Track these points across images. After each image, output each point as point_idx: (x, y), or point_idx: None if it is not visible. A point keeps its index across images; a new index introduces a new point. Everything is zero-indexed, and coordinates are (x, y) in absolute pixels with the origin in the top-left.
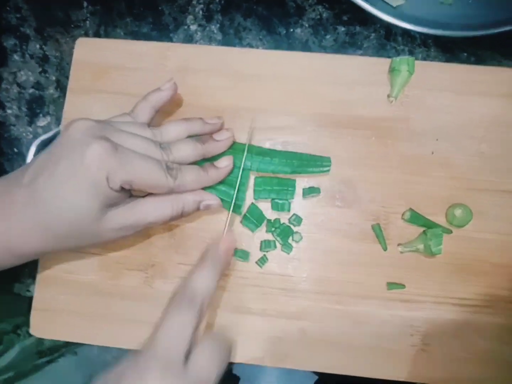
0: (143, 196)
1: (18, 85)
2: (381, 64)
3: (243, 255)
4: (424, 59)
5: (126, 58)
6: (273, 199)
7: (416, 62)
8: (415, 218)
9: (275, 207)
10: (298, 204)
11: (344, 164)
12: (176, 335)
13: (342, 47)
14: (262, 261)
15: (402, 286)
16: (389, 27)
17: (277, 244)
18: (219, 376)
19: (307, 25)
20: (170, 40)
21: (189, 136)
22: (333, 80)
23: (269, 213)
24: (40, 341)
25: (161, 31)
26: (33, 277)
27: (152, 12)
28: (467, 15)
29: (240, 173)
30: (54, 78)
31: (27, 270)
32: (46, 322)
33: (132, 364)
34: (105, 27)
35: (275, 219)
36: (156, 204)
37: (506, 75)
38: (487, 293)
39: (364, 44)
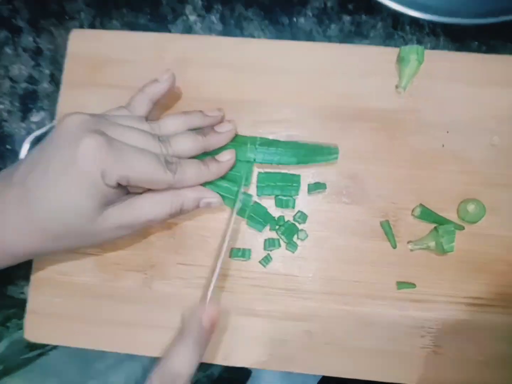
0: (141, 193)
1: (11, 79)
2: (388, 53)
3: (244, 253)
4: (433, 48)
5: (122, 50)
6: (277, 195)
7: (426, 51)
8: (426, 214)
9: (279, 204)
10: (303, 201)
11: (351, 159)
12: None
13: (347, 37)
14: (266, 260)
15: (412, 285)
16: (396, 15)
17: (282, 243)
18: None
19: (311, 14)
20: (169, 31)
21: (189, 130)
22: (339, 71)
23: (273, 211)
24: None
25: (159, 22)
26: (27, 279)
27: (150, 3)
28: (478, 1)
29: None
30: (48, 71)
31: (22, 272)
32: (41, 326)
33: None
34: (100, 19)
35: (279, 217)
36: (154, 201)
37: None
38: (502, 292)
39: (370, 34)
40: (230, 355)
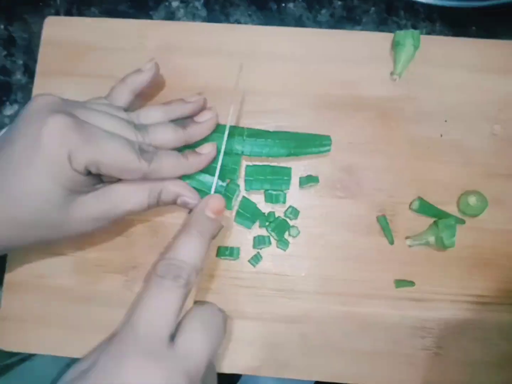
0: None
1: None
2: (383, 39)
3: (232, 252)
4: (429, 34)
5: (100, 38)
6: (266, 190)
7: (422, 36)
8: (425, 207)
9: (269, 199)
10: (295, 195)
11: (345, 150)
12: (159, 314)
13: (339, 23)
14: (255, 259)
15: (411, 283)
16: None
17: (272, 240)
18: (212, 357)
19: None
20: (150, 18)
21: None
22: (330, 58)
23: (263, 206)
24: None
25: (140, 8)
26: (0, 282)
27: None
28: None
29: (221, 158)
30: (21, 62)
31: None
32: (15, 334)
33: (107, 351)
34: (77, 6)
35: (269, 213)
36: (130, 189)
37: None
38: (507, 288)
39: (363, 19)
40: (219, 361)
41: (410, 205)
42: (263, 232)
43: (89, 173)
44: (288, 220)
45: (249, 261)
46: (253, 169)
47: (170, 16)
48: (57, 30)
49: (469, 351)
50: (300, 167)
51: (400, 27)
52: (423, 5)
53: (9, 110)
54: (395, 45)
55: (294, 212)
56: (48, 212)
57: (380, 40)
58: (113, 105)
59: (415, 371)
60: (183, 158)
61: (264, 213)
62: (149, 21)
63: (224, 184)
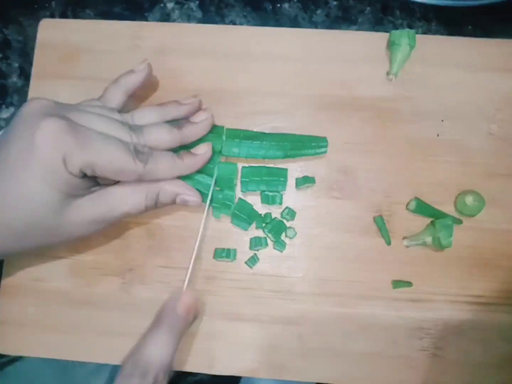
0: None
1: None
2: (378, 38)
3: (228, 254)
4: (424, 33)
5: (95, 40)
6: (262, 191)
7: (417, 36)
8: (422, 208)
9: (265, 200)
10: (291, 196)
11: (341, 150)
12: None
13: (334, 23)
14: (252, 261)
15: (408, 284)
16: None
17: (269, 242)
18: None
19: (295, 0)
20: (145, 19)
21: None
22: (326, 58)
23: (259, 207)
24: None
25: (135, 10)
26: None
27: None
28: None
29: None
30: (17, 65)
31: None
32: (12, 337)
33: None
34: (72, 8)
35: (266, 214)
36: (127, 191)
37: None
38: (506, 289)
39: (358, 19)
40: (215, 363)
41: (407, 205)
42: (260, 233)
43: (84, 175)
44: (284, 221)
45: (246, 262)
46: (249, 170)
47: (165, 17)
48: (52, 32)
49: (467, 352)
50: (296, 168)
51: (396, 27)
52: (419, 4)
53: (5, 113)
54: (391, 45)
55: (290, 213)
56: (44, 216)
57: (376, 40)
58: (106, 106)
59: (413, 372)
60: (178, 159)
61: (260, 215)
62: (143, 22)
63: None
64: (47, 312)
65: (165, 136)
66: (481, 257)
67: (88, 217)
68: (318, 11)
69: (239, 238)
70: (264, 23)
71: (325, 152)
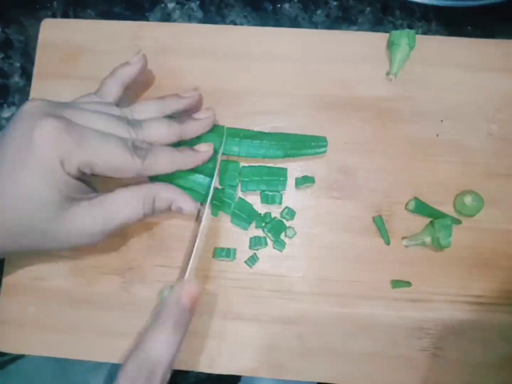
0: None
1: None
2: (378, 39)
3: (228, 253)
4: (424, 33)
5: (96, 40)
6: (262, 191)
7: (417, 36)
8: (421, 208)
9: (265, 199)
10: (291, 196)
11: (340, 150)
12: None
13: (334, 23)
14: (252, 260)
15: (408, 284)
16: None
17: (269, 241)
18: None
19: (295, 0)
20: (146, 19)
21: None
22: (326, 58)
23: (259, 207)
24: None
25: (136, 10)
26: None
27: None
28: None
29: (218, 163)
30: (18, 64)
31: None
32: (13, 336)
33: None
34: (73, 8)
35: (266, 213)
36: (126, 198)
37: None
38: (505, 289)
39: (358, 19)
40: (215, 362)
41: (406, 205)
42: (260, 233)
43: (83, 174)
44: (284, 221)
45: (245, 262)
46: (249, 170)
47: (166, 17)
48: (53, 32)
49: (467, 352)
50: (296, 168)
51: (396, 27)
52: (419, 5)
53: (6, 113)
54: (391, 45)
55: (290, 213)
56: (41, 217)
57: (376, 40)
58: (104, 101)
59: (413, 372)
60: (178, 153)
61: (260, 214)
62: (144, 22)
63: (220, 187)
64: (47, 311)
65: (165, 130)
66: (480, 257)
67: (85, 225)
68: (318, 11)
69: (239, 237)
70: (264, 23)
71: (324, 152)
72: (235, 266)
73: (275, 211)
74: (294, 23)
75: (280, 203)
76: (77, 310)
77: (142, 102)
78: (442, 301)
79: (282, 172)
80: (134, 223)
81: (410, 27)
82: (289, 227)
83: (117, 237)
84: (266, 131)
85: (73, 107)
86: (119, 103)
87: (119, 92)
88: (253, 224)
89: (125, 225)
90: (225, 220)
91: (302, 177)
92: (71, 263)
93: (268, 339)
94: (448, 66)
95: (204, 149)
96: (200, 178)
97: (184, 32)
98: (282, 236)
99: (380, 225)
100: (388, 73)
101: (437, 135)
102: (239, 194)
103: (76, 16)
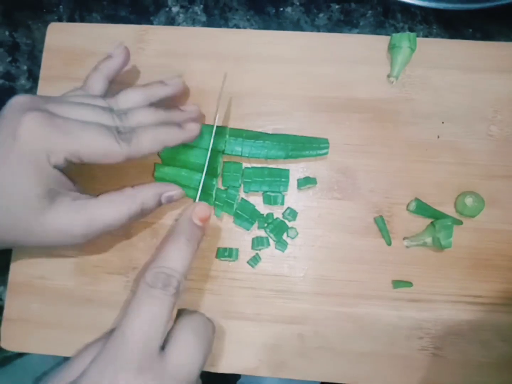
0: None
1: None
2: (379, 41)
3: (231, 253)
4: (425, 36)
5: (102, 43)
6: (264, 192)
7: (418, 39)
8: (422, 208)
9: (267, 200)
10: (293, 197)
11: (342, 152)
12: (149, 325)
13: (336, 26)
14: (254, 260)
15: (409, 284)
16: (387, 3)
17: (271, 242)
18: (202, 368)
19: (298, 3)
20: (151, 23)
21: None
22: (328, 60)
23: (261, 208)
24: None
25: (140, 14)
26: (4, 284)
27: None
28: None
29: (208, 157)
30: (25, 67)
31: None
32: (19, 334)
33: (97, 361)
34: (79, 12)
35: (268, 214)
36: (109, 202)
37: None
38: (506, 289)
39: (360, 23)
40: (217, 361)
41: (407, 206)
42: (262, 233)
43: (71, 164)
44: (286, 221)
45: (248, 262)
46: (251, 171)
47: (171, 21)
48: (60, 36)
49: (466, 352)
50: (298, 169)
51: (397, 30)
52: (420, 8)
53: None
54: (392, 48)
55: (292, 214)
56: (24, 215)
57: (377, 43)
58: (89, 94)
59: (412, 372)
60: (162, 128)
61: (262, 215)
62: (148, 26)
63: (223, 188)
64: (52, 310)
65: (151, 117)
66: (481, 257)
67: (67, 225)
68: (321, 15)
69: (241, 238)
70: (267, 26)
71: (326, 153)
72: (237, 266)
73: (277, 212)
74: (296, 27)
75: (282, 203)
76: (81, 309)
77: (127, 90)
78: (442, 301)
79: (284, 173)
80: (119, 227)
81: (411, 30)
82: (291, 227)
83: (121, 236)
84: (268, 132)
85: (58, 100)
86: (104, 96)
87: (104, 85)
88: (256, 225)
89: (110, 229)
90: (228, 220)
91: (304, 178)
92: (75, 263)
93: (270, 338)
94: (449, 68)
95: (192, 127)
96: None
97: (188, 36)
98: (284, 236)
99: (382, 225)
100: (389, 76)
101: (438, 137)
102: (242, 195)
103: (82, 20)
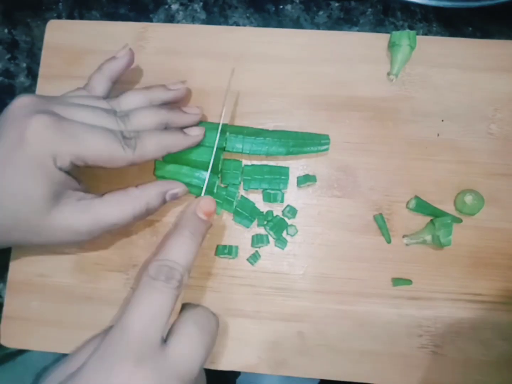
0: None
1: None
2: (379, 39)
3: (231, 251)
4: (425, 34)
5: (101, 41)
6: (264, 189)
7: (418, 37)
8: (421, 206)
9: (267, 198)
10: (293, 194)
11: (342, 150)
12: (151, 317)
13: (336, 24)
14: (254, 258)
15: (408, 281)
16: (386, 1)
17: (270, 239)
18: (203, 363)
19: (297, 1)
20: (150, 21)
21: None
22: (328, 58)
23: (261, 205)
24: None
25: (140, 11)
26: (4, 282)
27: None
28: None
29: (214, 155)
30: (24, 65)
31: None
32: (18, 332)
33: (97, 354)
34: (79, 9)
35: (268, 211)
36: (114, 202)
37: None
38: (506, 288)
39: (360, 21)
40: (217, 358)
41: (407, 204)
42: (262, 231)
43: (75, 167)
44: (286, 219)
45: (247, 259)
46: (251, 168)
47: (170, 19)
48: (59, 33)
49: (467, 351)
50: (298, 167)
51: (397, 28)
52: (420, 6)
53: None
54: (392, 46)
55: (292, 211)
56: (30, 216)
57: (377, 40)
58: (92, 96)
59: (412, 370)
60: (166, 135)
61: (262, 212)
62: (148, 23)
63: (223, 186)
64: (52, 307)
65: (152, 118)
66: (480, 255)
67: (71, 225)
68: (320, 13)
69: (241, 235)
70: (266, 24)
71: (327, 149)
72: (237, 264)
73: (277, 209)
74: (296, 24)
75: (282, 201)
76: (81, 307)
77: (129, 93)
78: (442, 299)
79: (284, 171)
80: (124, 225)
81: (411, 28)
82: (291, 225)
83: (121, 234)
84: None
85: (62, 102)
86: (107, 97)
87: (107, 86)
88: (255, 222)
89: (115, 227)
90: (228, 218)
91: (304, 175)
92: (75, 260)
93: (269, 336)
94: (449, 66)
95: (196, 133)
96: (204, 174)
97: (187, 33)
98: (284, 234)
99: (381, 223)
100: (389, 74)
101: (438, 135)
102: (242, 192)
103: (81, 17)
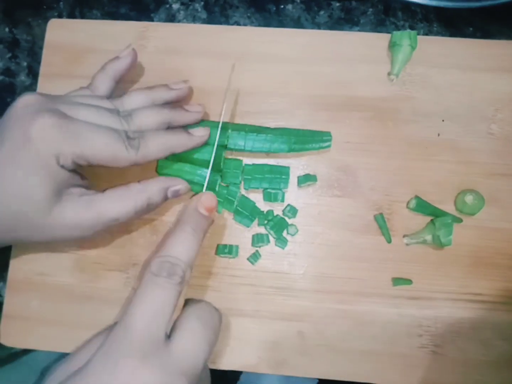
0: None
1: None
2: (380, 39)
3: (231, 250)
4: (426, 34)
5: (102, 40)
6: (265, 188)
7: (419, 37)
8: (422, 206)
9: (268, 197)
10: (293, 194)
11: (342, 150)
12: (154, 314)
13: (337, 24)
14: (254, 257)
15: (408, 281)
16: (387, 1)
17: (271, 239)
18: (207, 359)
19: (298, 1)
20: (151, 20)
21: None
22: (329, 58)
23: (261, 205)
24: None
25: (141, 11)
26: (4, 281)
27: None
28: None
29: (214, 152)
30: (25, 64)
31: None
32: (18, 331)
33: (101, 351)
34: (80, 8)
35: (268, 211)
36: (116, 197)
37: None
38: (506, 288)
39: (361, 20)
40: (217, 358)
41: (407, 204)
42: (262, 230)
43: (78, 166)
44: (286, 218)
45: (248, 259)
46: (251, 168)
47: (171, 18)
48: (60, 32)
49: (467, 351)
50: (298, 166)
51: (397, 28)
52: (421, 6)
53: None
54: (392, 46)
55: (292, 211)
56: (31, 211)
57: (378, 40)
58: (96, 95)
59: (412, 369)
60: (170, 135)
61: (262, 212)
62: (149, 23)
63: (223, 185)
64: (52, 306)
65: (154, 118)
66: (480, 255)
67: (74, 220)
68: (321, 12)
69: (241, 234)
70: (267, 24)
71: (329, 146)
72: (237, 263)
73: (278, 209)
74: (297, 24)
75: (283, 201)
76: (81, 306)
77: (131, 92)
78: (442, 299)
79: (285, 170)
80: (126, 221)
81: (411, 28)
82: (291, 224)
83: (121, 233)
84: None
85: (66, 101)
86: (110, 96)
87: (110, 86)
88: (256, 222)
89: (117, 222)
90: (228, 217)
91: (304, 175)
92: (75, 259)
93: (270, 335)
94: (449, 66)
95: (200, 134)
96: (205, 172)
97: (188, 33)
98: (284, 233)
99: (382, 223)
100: (389, 74)
101: (438, 135)
102: (242, 191)
103: (82, 16)
